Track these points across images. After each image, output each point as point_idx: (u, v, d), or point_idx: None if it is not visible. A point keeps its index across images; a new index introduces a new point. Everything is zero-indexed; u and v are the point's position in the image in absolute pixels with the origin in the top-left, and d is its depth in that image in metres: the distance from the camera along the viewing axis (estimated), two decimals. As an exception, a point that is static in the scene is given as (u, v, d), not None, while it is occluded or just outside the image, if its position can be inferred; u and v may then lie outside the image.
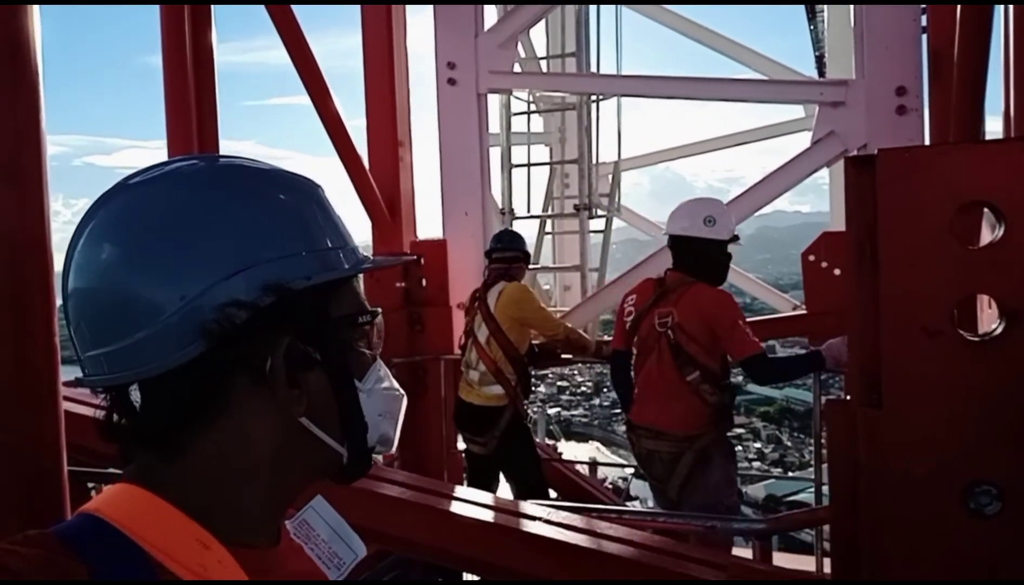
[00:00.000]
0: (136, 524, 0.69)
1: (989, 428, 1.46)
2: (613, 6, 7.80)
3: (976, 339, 1.47)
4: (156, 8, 5.13)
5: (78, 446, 2.20)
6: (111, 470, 3.10)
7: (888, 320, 1.51)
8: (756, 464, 33.22)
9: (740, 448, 35.24)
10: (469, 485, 4.66)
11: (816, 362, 3.64)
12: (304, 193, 0.80)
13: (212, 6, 5.25)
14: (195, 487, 0.72)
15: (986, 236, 1.52)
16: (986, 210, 1.55)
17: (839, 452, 1.73)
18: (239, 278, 0.71)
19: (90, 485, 3.34)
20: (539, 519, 2.47)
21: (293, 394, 0.74)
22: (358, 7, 6.00)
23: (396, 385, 0.87)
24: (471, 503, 2.63)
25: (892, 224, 1.51)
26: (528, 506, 2.68)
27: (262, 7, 4.98)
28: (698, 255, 3.79)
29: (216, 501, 0.73)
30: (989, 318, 1.57)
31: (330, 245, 0.78)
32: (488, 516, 2.54)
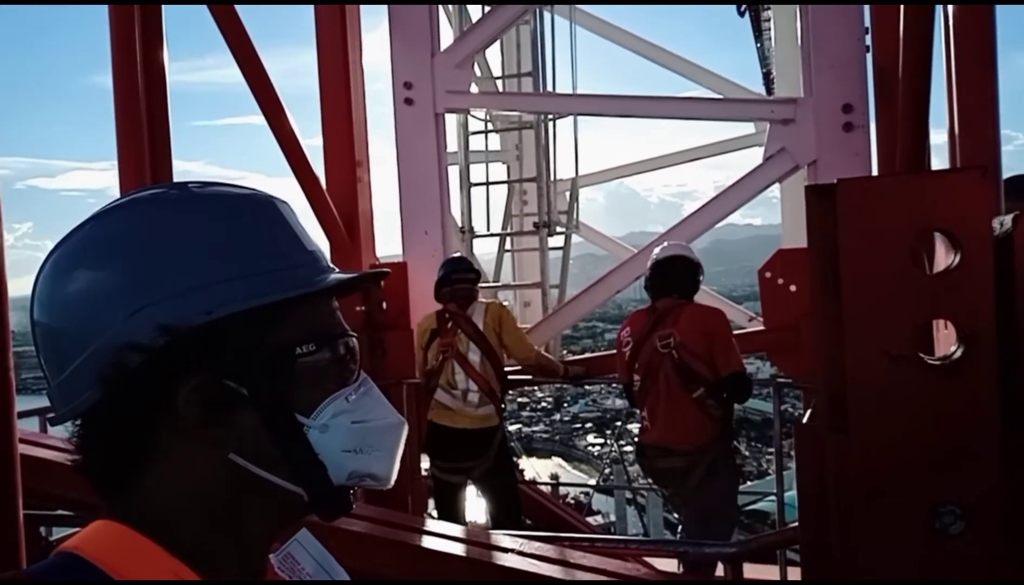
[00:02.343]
0: (115, 561, 0.67)
1: (951, 449, 1.51)
2: (567, 26, 7.91)
3: (937, 363, 1.53)
4: (102, 27, 5.02)
5: (31, 490, 2.12)
6: (60, 512, 3.00)
7: (852, 345, 1.56)
8: (715, 475, 33.50)
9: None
10: (441, 516, 4.50)
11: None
12: (238, 214, 0.74)
13: (164, 21, 5.16)
14: (162, 524, 0.71)
15: (940, 262, 1.58)
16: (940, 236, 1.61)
17: (808, 476, 1.77)
18: (137, 318, 0.68)
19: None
20: (512, 551, 2.45)
21: (215, 434, 0.70)
22: (312, 25, 5.97)
23: (383, 414, 0.78)
24: (442, 536, 2.59)
25: (853, 251, 1.56)
26: (500, 537, 2.66)
27: (213, 26, 4.93)
28: (686, 275, 4.06)
29: (185, 538, 0.71)
30: (946, 341, 1.62)
31: (258, 270, 0.71)
32: (460, 550, 2.51)
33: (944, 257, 1.55)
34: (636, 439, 4.06)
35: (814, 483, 1.70)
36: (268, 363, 0.71)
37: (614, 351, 4.51)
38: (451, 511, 4.50)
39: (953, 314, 1.50)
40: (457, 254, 5.18)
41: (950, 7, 2.66)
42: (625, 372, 4.12)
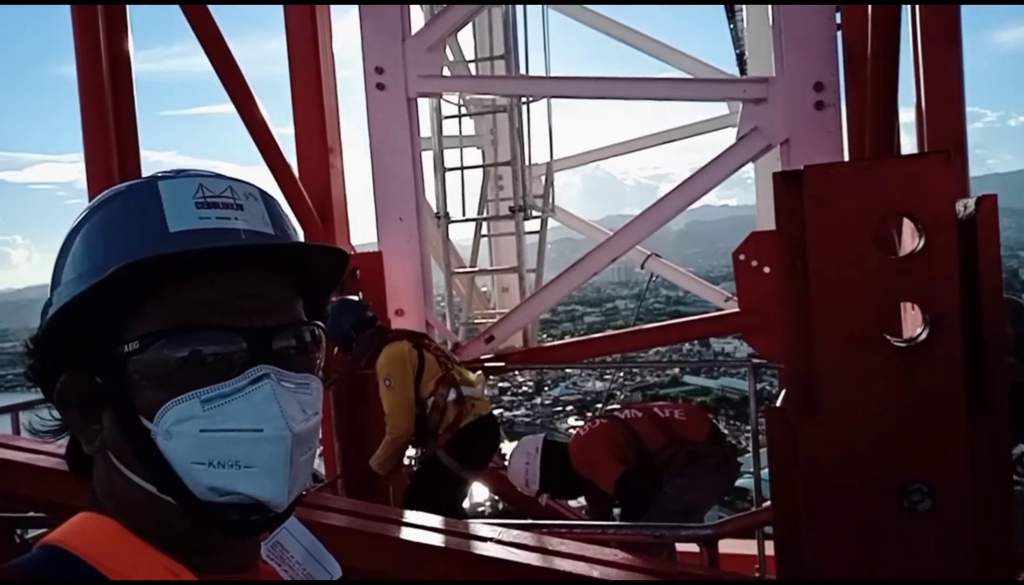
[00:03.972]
0: (99, 553, 0.67)
1: (918, 429, 1.54)
2: (539, 8, 7.85)
3: (903, 344, 1.55)
4: (67, 15, 4.91)
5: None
6: (31, 514, 2.96)
7: (820, 329, 1.59)
8: (696, 454, 33.88)
9: (679, 438, 35.93)
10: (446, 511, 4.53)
11: None
12: (108, 206, 0.72)
13: (127, 9, 5.05)
14: (132, 514, 0.70)
15: (907, 245, 1.60)
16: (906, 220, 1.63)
17: (779, 457, 1.80)
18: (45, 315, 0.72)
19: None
20: (490, 539, 2.46)
21: (91, 429, 0.71)
22: (281, 11, 5.88)
23: (257, 423, 0.66)
24: (421, 527, 2.60)
25: (820, 237, 1.58)
26: (479, 526, 2.66)
27: (179, 11, 4.83)
28: None
29: (154, 528, 0.69)
30: (913, 323, 1.65)
31: (99, 264, 0.67)
32: (439, 540, 2.51)
33: (910, 241, 1.57)
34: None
35: (785, 464, 1.72)
36: (107, 362, 0.67)
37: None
38: (457, 503, 4.53)
39: (918, 296, 1.52)
40: (335, 306, 4.55)
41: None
42: None
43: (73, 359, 0.69)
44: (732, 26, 11.11)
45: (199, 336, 0.67)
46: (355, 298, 4.74)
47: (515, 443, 4.62)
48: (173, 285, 0.67)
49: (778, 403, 2.04)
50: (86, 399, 0.69)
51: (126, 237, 0.68)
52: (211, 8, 4.94)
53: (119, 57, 5.09)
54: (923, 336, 1.53)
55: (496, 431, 4.63)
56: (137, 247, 0.66)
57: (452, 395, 4.24)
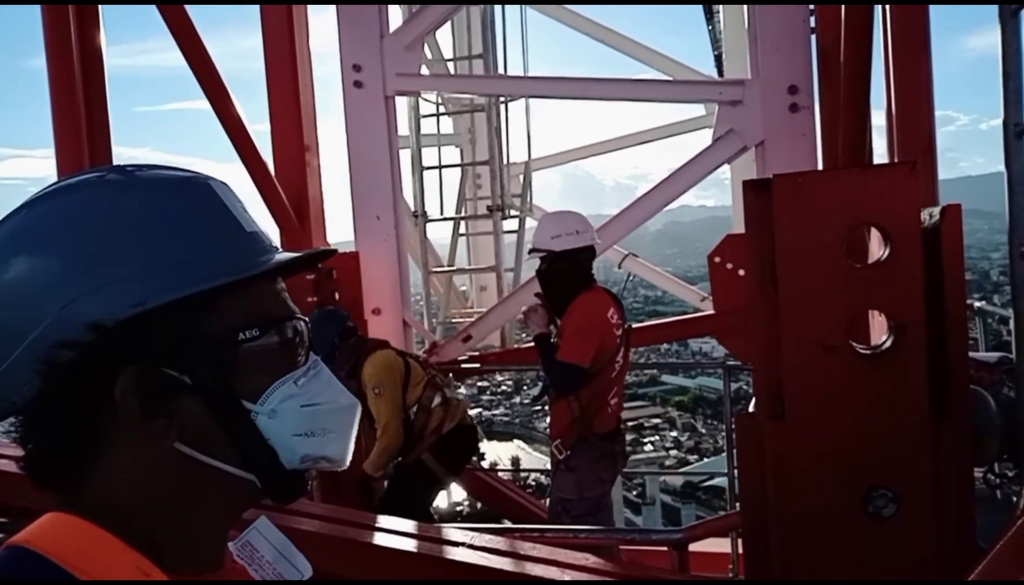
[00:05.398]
0: (67, 553, 0.65)
1: (884, 435, 1.56)
2: (518, 7, 7.85)
3: (868, 352, 1.57)
4: (37, 8, 4.83)
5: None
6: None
7: (788, 337, 1.60)
8: (673, 452, 34.11)
9: (657, 437, 36.17)
10: (422, 515, 4.47)
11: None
12: (167, 201, 0.72)
13: (100, 6, 4.98)
14: (116, 516, 0.69)
15: (874, 254, 1.62)
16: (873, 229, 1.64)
17: (748, 462, 1.82)
18: (68, 310, 0.67)
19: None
20: (463, 544, 2.46)
21: (155, 424, 0.69)
22: (257, 7, 5.82)
23: (332, 395, 0.78)
24: (394, 533, 2.59)
25: (788, 245, 1.59)
26: (451, 532, 2.66)
27: (153, 7, 4.77)
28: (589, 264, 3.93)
29: (140, 529, 0.69)
30: (880, 331, 1.67)
31: (192, 256, 0.70)
32: (412, 546, 2.50)
33: (877, 249, 1.59)
34: (595, 429, 3.76)
35: (754, 469, 1.74)
36: (208, 350, 0.70)
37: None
38: (431, 504, 4.63)
39: (884, 305, 1.54)
40: (315, 316, 4.53)
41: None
42: (613, 357, 3.84)
43: (141, 354, 0.68)
44: (711, 28, 11.18)
45: (292, 325, 0.76)
46: (335, 309, 4.71)
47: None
48: (252, 281, 0.73)
49: (751, 408, 2.06)
50: (153, 393, 0.68)
51: (210, 231, 0.72)
52: (186, 4, 4.88)
53: (91, 52, 5.02)
54: (888, 344, 1.55)
55: (475, 434, 4.68)
56: (222, 244, 0.72)
57: (438, 399, 4.29)
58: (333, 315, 4.51)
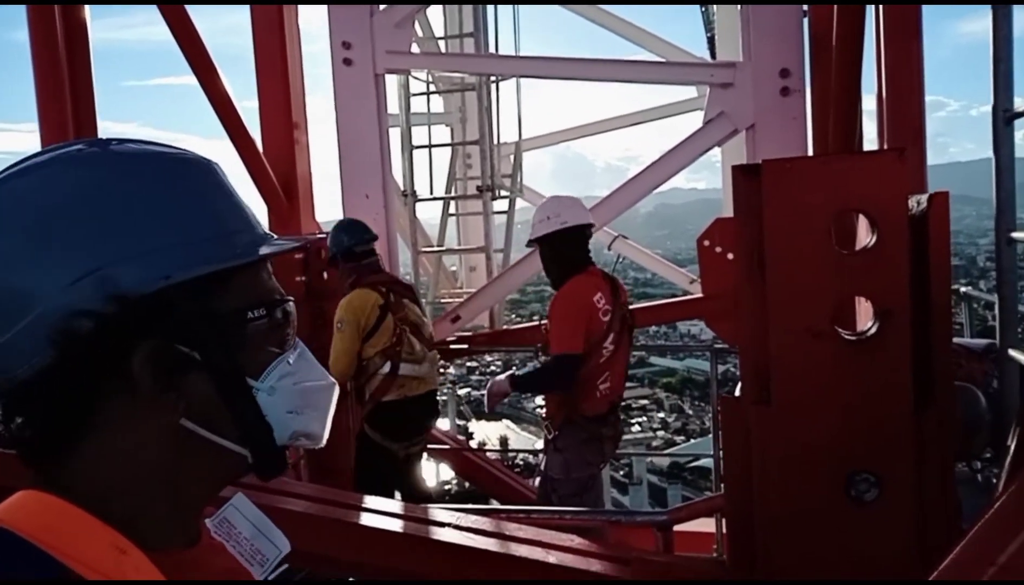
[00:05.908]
0: (42, 530, 0.65)
1: (867, 421, 1.58)
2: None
3: (854, 338, 1.58)
4: (19, -20, 4.74)
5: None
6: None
7: (776, 322, 1.61)
8: (660, 433, 34.36)
9: (645, 418, 36.41)
10: (403, 493, 4.45)
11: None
12: (181, 176, 0.74)
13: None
14: (99, 493, 0.69)
15: (861, 241, 1.62)
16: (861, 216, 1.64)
17: (732, 445, 1.83)
18: (86, 283, 0.66)
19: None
20: (448, 525, 2.46)
21: (165, 398, 0.70)
22: (245, -18, 5.75)
23: (318, 375, 0.81)
24: (379, 513, 2.59)
25: (777, 231, 1.60)
26: (437, 512, 2.67)
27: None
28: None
29: (122, 507, 0.69)
30: (866, 317, 1.67)
31: (209, 234, 0.72)
32: (397, 526, 2.51)
33: (864, 236, 1.59)
34: (583, 412, 3.71)
35: (738, 452, 1.75)
36: (221, 328, 0.71)
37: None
38: (413, 483, 4.50)
39: (870, 291, 1.55)
40: (344, 220, 4.69)
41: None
42: (600, 342, 3.79)
43: (159, 328, 0.68)
44: (704, 9, 11.12)
45: (283, 307, 0.79)
46: (363, 224, 4.52)
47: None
48: (256, 262, 0.76)
49: (737, 392, 2.07)
50: (167, 369, 0.69)
51: (217, 212, 0.75)
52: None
53: (75, 25, 4.94)
54: (873, 330, 1.55)
55: (430, 409, 4.49)
56: (229, 225, 0.75)
57: (386, 369, 4.15)
58: (352, 227, 4.42)
